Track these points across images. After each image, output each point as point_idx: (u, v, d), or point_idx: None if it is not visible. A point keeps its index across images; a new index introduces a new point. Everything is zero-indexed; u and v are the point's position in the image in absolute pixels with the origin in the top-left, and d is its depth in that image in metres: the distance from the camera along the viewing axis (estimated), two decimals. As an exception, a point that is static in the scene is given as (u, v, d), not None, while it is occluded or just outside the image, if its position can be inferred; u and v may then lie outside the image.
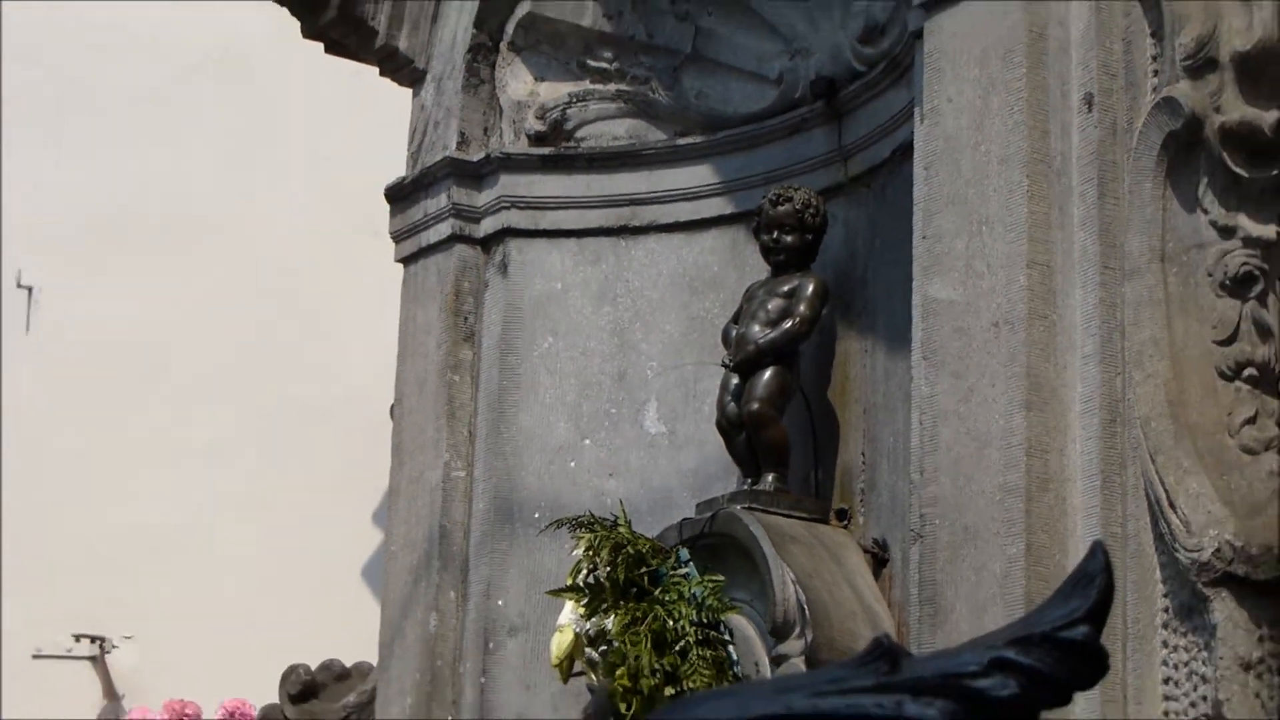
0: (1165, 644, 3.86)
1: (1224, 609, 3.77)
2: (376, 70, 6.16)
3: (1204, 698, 3.81)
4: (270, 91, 7.27)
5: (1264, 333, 4.11)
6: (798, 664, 4.68)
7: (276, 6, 6.04)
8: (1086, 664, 1.40)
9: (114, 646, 7.34)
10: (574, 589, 4.99)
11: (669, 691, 4.80)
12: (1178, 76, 4.12)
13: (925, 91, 4.53)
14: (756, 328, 5.22)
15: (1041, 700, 1.39)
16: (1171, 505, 3.90)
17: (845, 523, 5.16)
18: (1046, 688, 1.39)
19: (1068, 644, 1.38)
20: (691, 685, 4.78)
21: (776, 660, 4.77)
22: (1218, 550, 3.78)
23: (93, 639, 7.33)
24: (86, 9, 7.70)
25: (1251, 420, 4.04)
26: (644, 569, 4.95)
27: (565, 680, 5.10)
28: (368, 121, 6.44)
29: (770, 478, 5.15)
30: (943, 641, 3.99)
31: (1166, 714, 3.86)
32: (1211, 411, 4.03)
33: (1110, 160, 4.18)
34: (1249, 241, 4.12)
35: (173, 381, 7.37)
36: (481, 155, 5.87)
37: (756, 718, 1.39)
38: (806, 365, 5.28)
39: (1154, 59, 4.19)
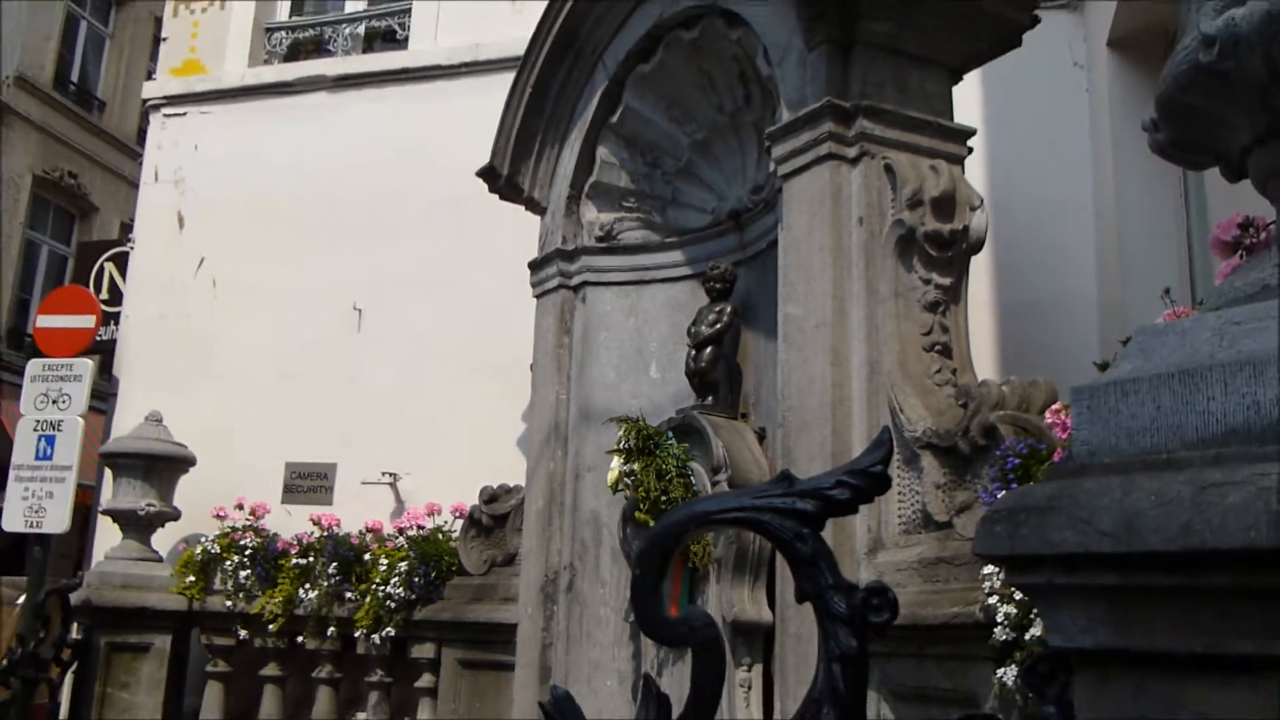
0: (898, 476, 3.83)
1: (927, 459, 3.74)
2: (524, 208, 6.09)
3: (917, 503, 3.78)
4: (474, 216, 7.20)
5: (944, 329, 4.07)
6: (724, 485, 4.64)
7: (476, 178, 6.01)
8: (880, 484, 1.36)
9: (400, 478, 7.31)
10: (618, 450, 4.96)
11: (664, 499, 4.77)
12: (903, 209, 4.08)
13: (783, 216, 4.47)
14: (703, 328, 5.17)
15: (860, 500, 1.36)
16: (901, 411, 3.87)
17: (746, 419, 5.12)
18: (862, 494, 1.36)
19: (873, 474, 1.34)
20: (674, 496, 4.75)
21: (714, 484, 4.73)
22: (924, 431, 3.75)
23: (391, 474, 7.30)
24: (376, 174, 7.68)
25: (939, 371, 4.01)
26: (651, 441, 4.92)
27: (614, 493, 5.08)
28: (519, 231, 6.37)
29: (710, 399, 5.10)
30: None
31: (899, 512, 3.84)
32: (920, 367, 3.99)
33: (871, 249, 4.13)
34: (938, 286, 4.08)
35: (434, 356, 7.32)
36: (573, 247, 5.79)
37: (730, 507, 1.35)
38: (727, 346, 5.19)
39: (892, 200, 4.14)
